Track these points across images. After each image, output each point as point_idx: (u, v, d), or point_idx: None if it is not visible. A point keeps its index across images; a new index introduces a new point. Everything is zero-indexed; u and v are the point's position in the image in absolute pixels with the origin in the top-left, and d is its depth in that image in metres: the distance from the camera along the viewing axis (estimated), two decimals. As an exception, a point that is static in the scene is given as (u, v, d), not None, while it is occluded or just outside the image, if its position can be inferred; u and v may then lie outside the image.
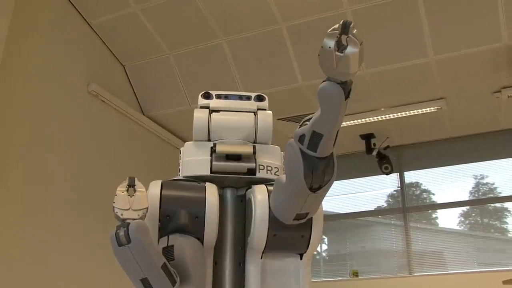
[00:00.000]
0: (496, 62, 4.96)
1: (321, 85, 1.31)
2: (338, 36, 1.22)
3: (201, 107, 1.91)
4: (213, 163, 1.81)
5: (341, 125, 1.44)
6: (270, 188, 1.73)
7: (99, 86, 5.08)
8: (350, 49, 1.21)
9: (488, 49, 4.77)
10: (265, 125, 1.90)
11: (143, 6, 4.91)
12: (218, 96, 1.93)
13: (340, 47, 1.21)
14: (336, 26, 1.22)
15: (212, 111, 1.89)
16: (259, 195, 1.72)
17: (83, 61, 5.05)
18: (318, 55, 1.26)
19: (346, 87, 1.29)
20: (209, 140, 1.88)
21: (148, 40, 5.26)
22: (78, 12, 5.02)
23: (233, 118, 1.90)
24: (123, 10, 4.95)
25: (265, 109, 1.94)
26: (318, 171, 1.49)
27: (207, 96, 1.92)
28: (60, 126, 4.60)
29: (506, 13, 4.46)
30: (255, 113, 1.92)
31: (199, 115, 1.88)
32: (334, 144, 1.45)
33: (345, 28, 1.21)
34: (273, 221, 1.68)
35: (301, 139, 1.44)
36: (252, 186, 1.80)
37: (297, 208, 1.61)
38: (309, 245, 1.76)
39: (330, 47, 1.22)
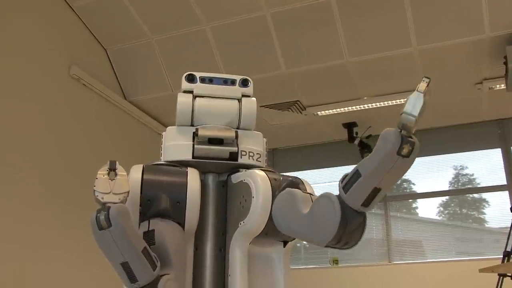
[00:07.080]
0: (478, 53, 4.99)
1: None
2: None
3: (185, 92, 1.88)
4: (195, 146, 1.80)
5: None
6: (271, 175, 1.73)
7: (80, 70, 5.01)
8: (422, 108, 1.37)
9: (470, 40, 4.80)
10: (249, 113, 1.90)
11: (126, -11, 4.85)
12: (203, 79, 1.89)
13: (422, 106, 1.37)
14: (425, 85, 1.43)
15: (195, 96, 1.87)
16: (263, 183, 1.70)
17: (65, 44, 4.97)
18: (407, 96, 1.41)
19: (404, 140, 1.34)
20: (192, 125, 1.87)
21: (131, 24, 5.20)
22: (60, -6, 4.95)
23: (217, 104, 1.88)
24: (106, -7, 4.89)
25: (249, 96, 1.92)
26: (350, 229, 1.45)
27: (191, 78, 1.89)
28: (41, 109, 4.54)
29: (489, 6, 4.48)
30: (239, 100, 1.91)
31: (183, 100, 1.86)
32: (368, 204, 1.41)
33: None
34: None
35: (344, 178, 1.44)
36: (245, 170, 1.78)
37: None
38: None
39: (420, 90, 1.41)
